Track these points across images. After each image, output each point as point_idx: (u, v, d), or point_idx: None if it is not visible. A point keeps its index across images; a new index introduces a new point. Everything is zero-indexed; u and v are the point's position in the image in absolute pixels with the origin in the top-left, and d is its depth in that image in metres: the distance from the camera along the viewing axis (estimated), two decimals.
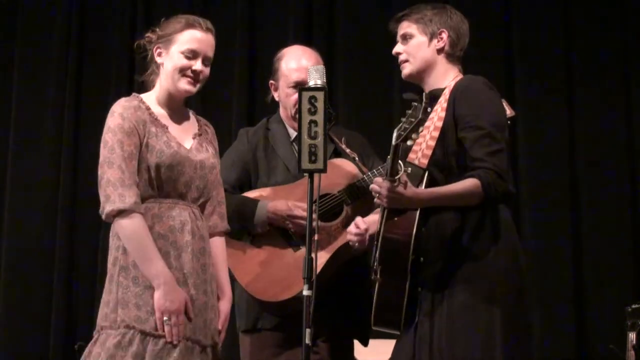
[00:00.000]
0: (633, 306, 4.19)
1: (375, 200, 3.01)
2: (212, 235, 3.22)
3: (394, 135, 2.93)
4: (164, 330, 2.94)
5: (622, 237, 5.17)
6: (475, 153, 3.01)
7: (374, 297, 3.09)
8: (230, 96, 5.44)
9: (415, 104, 2.97)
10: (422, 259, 3.04)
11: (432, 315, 3.01)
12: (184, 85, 3.14)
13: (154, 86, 3.21)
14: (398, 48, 3.29)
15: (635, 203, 5.19)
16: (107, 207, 2.99)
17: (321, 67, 2.91)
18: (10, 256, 5.48)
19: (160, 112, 3.16)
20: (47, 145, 5.58)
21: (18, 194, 5.54)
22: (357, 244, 3.30)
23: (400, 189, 2.94)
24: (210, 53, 3.19)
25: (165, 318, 2.94)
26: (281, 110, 3.71)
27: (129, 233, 2.99)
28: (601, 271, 5.13)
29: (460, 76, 3.21)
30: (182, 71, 3.13)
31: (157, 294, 2.95)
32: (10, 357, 5.38)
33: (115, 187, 2.99)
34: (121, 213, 2.98)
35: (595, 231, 5.19)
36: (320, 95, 2.77)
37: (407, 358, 3.05)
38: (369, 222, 3.32)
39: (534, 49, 5.36)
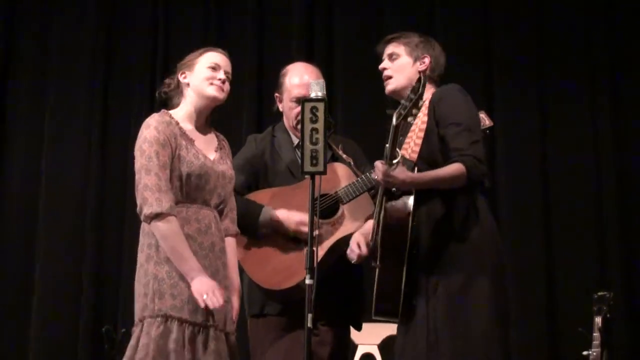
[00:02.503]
0: (599, 293, 4.17)
1: (376, 180, 3.06)
2: (224, 236, 3.25)
3: (394, 117, 2.95)
4: (205, 309, 2.95)
5: (588, 232, 5.12)
6: (456, 144, 3.04)
7: (374, 287, 3.07)
8: (241, 105, 5.43)
9: (416, 84, 2.95)
10: (414, 250, 3.04)
11: (428, 297, 3.02)
12: (213, 91, 3.20)
13: (178, 106, 3.25)
14: (385, 64, 3.33)
15: (600, 203, 5.16)
16: (145, 209, 3.00)
17: (322, 81, 2.92)
18: (45, 251, 5.44)
19: (188, 127, 3.19)
20: (77, 154, 5.58)
21: (52, 197, 5.50)
22: (354, 261, 3.30)
23: (395, 172, 2.96)
24: (229, 69, 3.27)
25: (204, 296, 2.93)
26: (285, 120, 3.70)
27: (165, 234, 2.99)
28: (570, 263, 5.10)
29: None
30: (210, 79, 3.19)
31: (194, 284, 2.97)
32: (44, 338, 5.33)
33: (152, 192, 3.00)
34: (158, 216, 2.98)
35: (565, 227, 5.14)
36: (320, 106, 2.78)
37: (409, 340, 3.06)
38: (365, 236, 3.32)
39: (512, 68, 5.35)
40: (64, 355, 5.31)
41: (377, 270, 3.05)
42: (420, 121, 3.11)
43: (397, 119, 2.92)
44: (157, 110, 3.23)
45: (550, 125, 5.27)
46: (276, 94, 3.72)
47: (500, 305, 3.06)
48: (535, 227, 5.16)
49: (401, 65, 3.28)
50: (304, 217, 3.31)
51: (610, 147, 5.17)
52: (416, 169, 3.07)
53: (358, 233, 3.39)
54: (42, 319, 5.35)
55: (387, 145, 2.97)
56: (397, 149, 2.98)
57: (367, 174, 3.49)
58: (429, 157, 3.09)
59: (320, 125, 2.76)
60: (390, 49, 3.32)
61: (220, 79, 3.19)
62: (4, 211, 5.54)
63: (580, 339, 4.13)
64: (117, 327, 4.84)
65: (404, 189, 3.02)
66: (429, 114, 3.11)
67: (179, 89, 3.25)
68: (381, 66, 3.33)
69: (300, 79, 3.60)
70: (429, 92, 3.20)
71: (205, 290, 2.94)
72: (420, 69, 3.25)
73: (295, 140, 3.63)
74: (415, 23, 5.34)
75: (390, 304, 3.04)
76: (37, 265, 5.43)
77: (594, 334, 4.09)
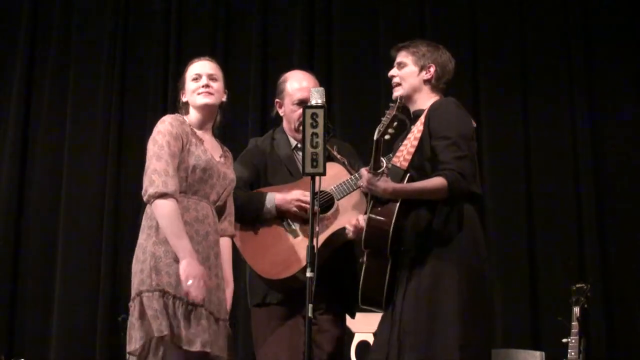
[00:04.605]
0: (577, 285, 4.23)
1: (361, 188, 3.08)
2: (221, 236, 3.26)
3: (375, 133, 2.98)
4: (187, 294, 2.94)
5: (568, 227, 5.14)
6: (443, 157, 3.03)
7: (361, 280, 3.10)
8: (246, 111, 5.47)
9: (392, 104, 3.00)
10: (402, 248, 3.05)
11: (405, 294, 3.02)
12: (201, 99, 3.22)
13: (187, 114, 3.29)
14: (393, 72, 3.30)
15: (579, 200, 5.16)
16: (150, 189, 3.01)
17: (321, 89, 2.91)
18: (65, 245, 5.45)
19: (198, 131, 3.22)
20: (96, 157, 5.59)
21: (72, 196, 5.52)
22: (351, 234, 3.27)
23: (378, 181, 2.97)
24: (212, 71, 3.27)
25: (189, 282, 2.93)
26: (285, 123, 3.70)
27: (165, 212, 2.99)
28: (551, 257, 5.12)
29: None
30: (195, 91, 3.22)
31: (182, 264, 2.95)
32: (66, 326, 5.35)
33: (160, 175, 3.01)
34: (162, 195, 2.99)
35: (546, 222, 5.18)
36: (320, 112, 2.79)
37: (387, 332, 3.05)
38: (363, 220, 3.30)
39: (496, 73, 5.38)
40: (83, 342, 5.31)
41: (363, 266, 3.07)
42: (417, 129, 3.10)
43: (377, 134, 2.95)
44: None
45: (532, 124, 5.29)
46: (277, 100, 3.71)
47: (472, 306, 2.98)
48: (519, 224, 5.19)
49: (407, 74, 3.24)
50: (302, 192, 3.40)
51: (589, 146, 5.18)
52: (407, 176, 3.06)
53: (360, 215, 3.34)
54: (63, 308, 5.36)
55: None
56: (382, 159, 2.98)
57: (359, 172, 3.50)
58: (420, 166, 3.08)
59: (320, 130, 2.76)
60: (399, 57, 3.29)
61: (202, 85, 3.21)
62: (28, 209, 5.56)
63: (560, 327, 4.15)
64: None
65: (387, 198, 3.02)
66: (425, 124, 3.10)
67: (182, 104, 3.30)
68: (390, 73, 3.31)
69: (300, 84, 3.61)
70: (431, 100, 3.21)
71: (192, 276, 2.93)
72: (425, 78, 3.22)
73: (294, 142, 3.64)
74: (407, 30, 5.40)
75: (376, 294, 3.06)
76: (58, 259, 5.43)
77: (573, 323, 4.13)
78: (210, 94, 3.21)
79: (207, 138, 3.24)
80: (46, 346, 5.33)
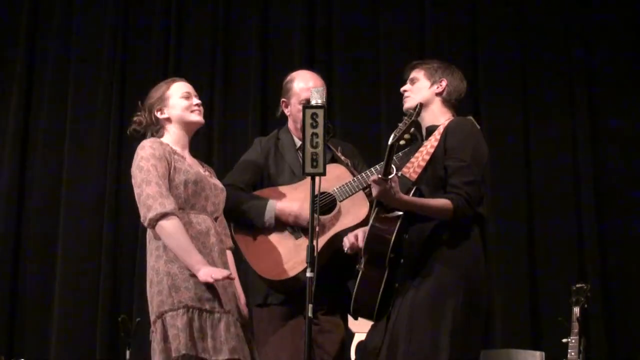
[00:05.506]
0: (577, 285, 4.25)
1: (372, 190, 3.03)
2: None
3: (390, 137, 2.94)
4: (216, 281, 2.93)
5: (568, 228, 5.16)
6: (453, 180, 3.03)
7: (355, 288, 3.08)
8: (246, 111, 5.45)
9: (411, 110, 3.01)
10: (402, 260, 3.03)
11: (401, 305, 3.01)
12: (195, 117, 3.26)
13: (162, 137, 3.26)
14: (405, 87, 3.31)
15: (579, 199, 5.17)
16: (149, 214, 2.99)
17: (321, 89, 2.92)
18: (65, 245, 5.45)
19: (177, 150, 3.22)
20: (96, 157, 5.59)
21: (72, 197, 5.52)
22: (348, 251, 3.26)
23: (388, 188, 2.92)
24: (195, 92, 3.32)
25: (212, 275, 2.94)
26: (290, 123, 3.69)
27: (170, 231, 2.99)
28: (551, 258, 5.13)
29: (452, 118, 3.22)
30: (189, 108, 3.23)
31: (199, 273, 2.95)
32: (66, 326, 5.35)
33: (155, 199, 3.00)
34: (163, 216, 2.98)
35: (546, 222, 5.19)
36: (320, 112, 2.78)
37: (379, 341, 3.04)
38: (365, 231, 3.24)
39: (496, 74, 5.39)
40: (83, 342, 5.31)
41: (359, 273, 3.05)
42: (430, 144, 3.10)
43: (392, 139, 2.92)
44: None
45: (532, 124, 5.30)
46: (283, 100, 3.68)
47: (467, 323, 2.98)
48: (518, 224, 5.18)
49: (418, 88, 3.26)
50: (299, 213, 3.39)
51: (589, 146, 5.19)
52: (414, 189, 3.05)
53: (361, 229, 3.33)
54: (63, 308, 5.36)
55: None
56: (393, 166, 2.95)
57: (362, 174, 3.49)
58: (429, 181, 3.08)
59: (320, 130, 2.76)
60: (412, 74, 3.31)
61: (197, 104, 3.25)
62: (28, 209, 5.57)
63: (560, 327, 4.15)
64: (132, 316, 4.84)
65: (393, 206, 3.01)
66: (440, 140, 3.10)
67: (157, 125, 3.25)
68: (402, 89, 3.32)
69: (307, 84, 3.59)
70: (445, 116, 3.21)
71: (211, 272, 2.94)
72: (436, 92, 3.23)
73: (298, 143, 3.61)
74: (407, 30, 5.40)
75: (367, 305, 3.05)
76: (58, 259, 5.43)
77: (573, 323, 4.13)
78: (201, 113, 3.27)
79: (187, 155, 3.25)
80: (46, 346, 5.33)
